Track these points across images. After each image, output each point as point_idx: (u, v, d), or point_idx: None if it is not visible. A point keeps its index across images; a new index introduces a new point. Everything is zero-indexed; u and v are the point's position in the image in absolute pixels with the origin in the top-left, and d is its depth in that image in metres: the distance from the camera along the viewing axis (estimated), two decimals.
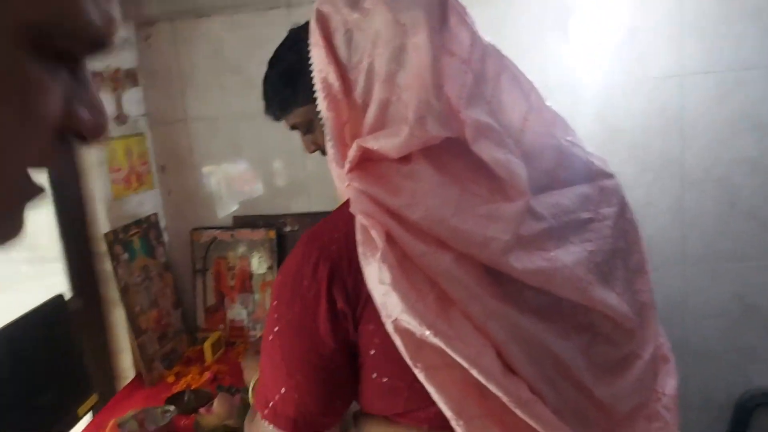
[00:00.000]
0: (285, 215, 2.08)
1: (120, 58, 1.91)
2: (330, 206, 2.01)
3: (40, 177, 0.33)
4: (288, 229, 2.08)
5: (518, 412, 0.65)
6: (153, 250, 1.99)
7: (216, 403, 1.54)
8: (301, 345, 0.74)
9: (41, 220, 1.77)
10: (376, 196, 0.70)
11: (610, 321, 0.76)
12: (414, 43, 0.71)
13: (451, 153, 0.74)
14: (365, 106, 0.74)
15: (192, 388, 1.75)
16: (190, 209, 2.13)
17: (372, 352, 0.73)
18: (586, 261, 0.74)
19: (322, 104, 0.76)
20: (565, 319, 0.73)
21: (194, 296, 2.11)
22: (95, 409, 1.66)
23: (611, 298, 0.75)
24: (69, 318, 1.55)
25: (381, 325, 0.69)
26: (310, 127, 1.23)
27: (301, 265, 0.74)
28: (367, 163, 0.73)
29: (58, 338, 1.49)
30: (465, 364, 0.65)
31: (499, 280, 0.70)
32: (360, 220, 0.70)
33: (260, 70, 1.96)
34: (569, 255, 0.73)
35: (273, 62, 1.24)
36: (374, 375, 0.74)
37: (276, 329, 0.75)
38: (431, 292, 0.67)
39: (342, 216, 0.75)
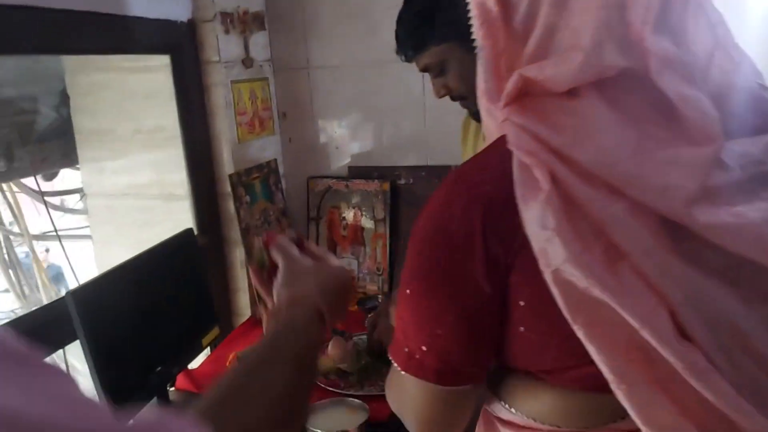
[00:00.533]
0: (400, 167, 2.05)
1: (248, 0, 1.92)
2: (447, 161, 1.98)
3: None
4: (402, 181, 2.05)
5: (692, 381, 0.58)
6: (272, 195, 2.03)
7: (330, 346, 1.55)
8: (451, 291, 0.68)
9: (172, 159, 1.83)
10: (538, 133, 0.63)
11: None
12: None
13: (625, 88, 0.65)
14: (526, 33, 0.67)
15: None
16: (308, 157, 2.14)
17: (521, 303, 0.66)
18: None
19: (477, 33, 0.69)
20: (747, 285, 0.64)
21: None
22: (214, 343, 1.73)
23: None
24: (197, 251, 1.61)
25: (534, 275, 0.63)
26: (442, 69, 1.17)
27: (449, 206, 0.67)
28: (525, 97, 0.66)
29: (186, 270, 1.55)
30: (635, 324, 0.58)
31: (676, 235, 0.62)
32: (520, 158, 0.63)
33: (384, 16, 1.93)
34: (757, 212, 0.64)
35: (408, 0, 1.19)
36: (521, 329, 0.68)
37: (420, 274, 0.69)
38: (598, 242, 0.60)
39: (493, 155, 0.68)
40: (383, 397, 1.41)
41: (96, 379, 1.21)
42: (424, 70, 1.21)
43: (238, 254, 1.92)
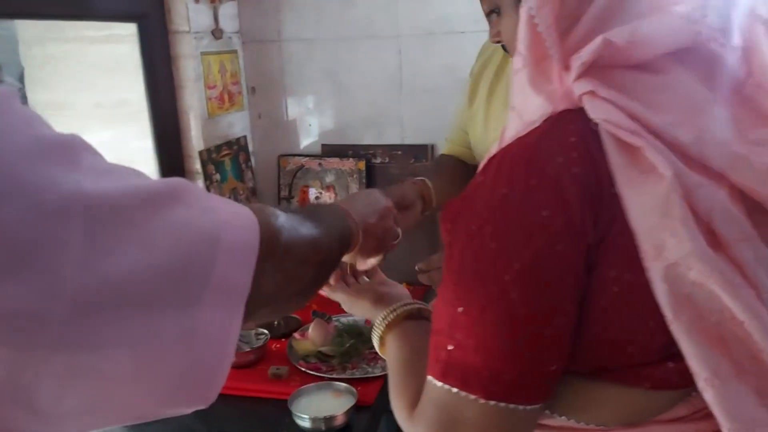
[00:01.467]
0: (375, 146, 2.00)
1: None
2: (424, 139, 1.94)
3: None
4: (378, 160, 2.00)
5: None
6: (242, 173, 1.95)
7: (311, 328, 1.51)
8: (552, 289, 0.57)
9: (137, 135, 1.74)
10: (631, 110, 0.56)
11: None
12: None
13: (705, 64, 0.60)
14: None
15: None
16: (278, 134, 2.07)
17: (602, 302, 0.59)
18: None
19: None
20: None
21: None
22: None
23: None
24: None
25: (625, 270, 0.57)
26: (498, 11, 1.05)
27: (533, 191, 0.57)
28: (596, 69, 0.58)
29: None
30: (743, 317, 0.54)
31: (759, 220, 0.58)
32: (621, 137, 0.56)
33: None
34: None
35: None
36: (595, 327, 0.60)
37: (510, 275, 0.57)
38: (702, 231, 0.55)
39: (569, 134, 0.58)
40: (367, 380, 1.39)
41: None
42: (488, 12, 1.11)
43: None
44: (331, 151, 2.04)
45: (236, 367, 1.47)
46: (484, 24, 1.84)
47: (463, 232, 0.60)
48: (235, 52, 1.95)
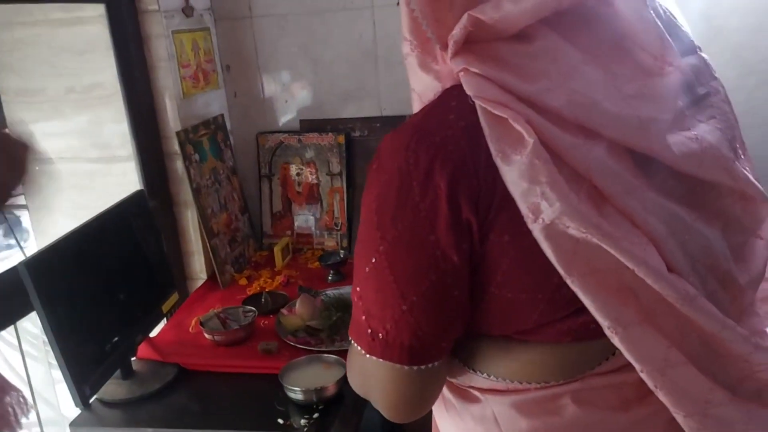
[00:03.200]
0: (354, 119, 2.00)
1: None
2: (402, 110, 1.94)
3: None
4: (357, 134, 2.00)
5: (685, 310, 0.59)
6: (221, 152, 1.94)
7: (298, 303, 1.52)
8: (417, 261, 0.62)
9: (112, 118, 1.71)
10: (503, 82, 0.58)
11: (739, 203, 0.69)
12: None
13: (575, 25, 0.63)
14: None
15: (266, 290, 1.73)
16: (255, 112, 2.06)
17: (504, 266, 0.63)
18: (722, 139, 0.67)
19: None
20: (703, 206, 0.66)
21: (260, 202, 2.08)
22: (173, 309, 1.66)
23: (749, 174, 0.69)
24: (149, 214, 1.53)
25: (518, 235, 0.60)
26: None
27: (408, 169, 0.61)
28: (474, 45, 0.60)
29: (140, 234, 1.47)
30: (630, 265, 0.58)
31: (648, 170, 0.62)
32: (490, 110, 0.58)
33: None
34: (710, 134, 0.66)
35: None
36: (503, 291, 0.65)
37: (381, 248, 0.63)
38: (582, 189, 0.59)
39: (448, 111, 0.62)
40: None
41: (57, 351, 1.13)
42: None
43: (190, 216, 1.84)
44: (309, 126, 2.04)
45: (226, 344, 1.48)
46: None
47: (363, 203, 0.66)
48: (207, 29, 1.92)
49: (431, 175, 0.60)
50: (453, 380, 0.75)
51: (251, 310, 1.57)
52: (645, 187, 0.61)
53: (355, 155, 2.01)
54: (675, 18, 0.72)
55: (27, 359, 1.62)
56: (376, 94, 1.97)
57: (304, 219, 2.05)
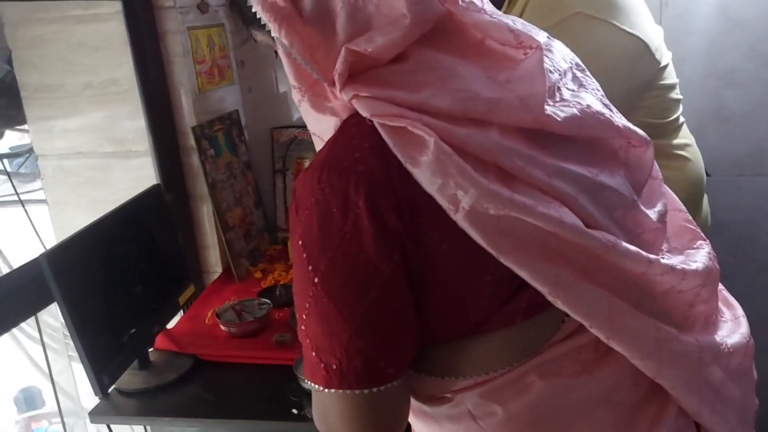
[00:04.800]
0: None
1: None
2: None
3: None
4: None
5: (610, 256, 0.65)
6: (236, 147, 1.96)
7: None
8: (352, 282, 0.64)
9: (128, 113, 1.74)
10: (392, 98, 0.63)
11: (629, 150, 0.76)
12: None
13: (442, 37, 0.69)
14: (326, 21, 0.67)
15: (281, 283, 1.75)
16: (270, 107, 2.08)
17: (443, 263, 0.66)
18: (594, 99, 0.74)
19: (278, 31, 0.66)
20: (602, 160, 0.73)
21: (274, 196, 2.10)
22: (189, 301, 1.69)
23: (627, 122, 0.77)
24: (166, 208, 1.55)
25: (447, 227, 0.63)
26: None
27: (325, 199, 0.64)
28: (357, 75, 0.65)
29: (157, 227, 1.50)
30: (551, 228, 0.62)
31: (542, 142, 0.67)
32: (388, 123, 0.62)
33: None
34: (582, 98, 0.73)
35: None
36: (448, 288, 0.67)
37: (316, 280, 0.65)
38: (489, 172, 0.63)
39: (351, 136, 0.66)
40: None
41: (78, 342, 1.16)
42: None
43: (206, 210, 1.86)
44: None
45: (242, 336, 1.51)
46: None
47: (291, 242, 0.69)
48: (222, 25, 1.94)
49: (348, 197, 0.63)
50: (429, 393, 0.76)
51: (266, 303, 1.59)
52: (543, 156, 0.66)
53: None
54: (517, 19, 0.77)
55: (48, 351, 1.65)
56: None
57: None
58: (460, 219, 0.62)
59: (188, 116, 1.78)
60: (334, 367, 0.66)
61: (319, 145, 0.72)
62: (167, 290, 1.52)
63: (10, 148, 2.45)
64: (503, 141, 0.64)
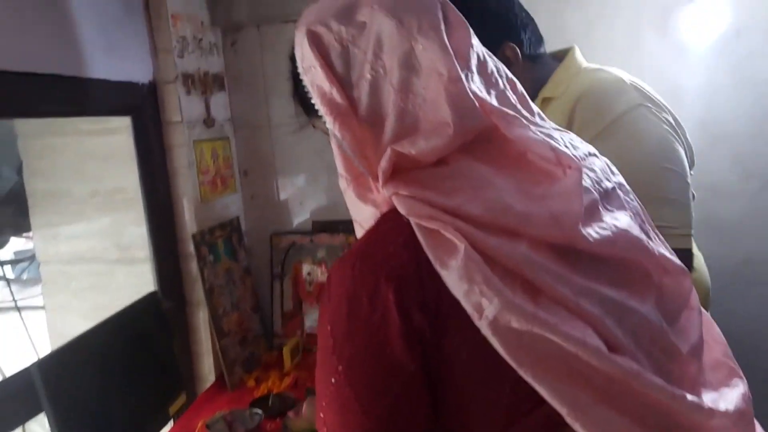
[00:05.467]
0: None
1: (208, 62, 1.94)
2: None
3: None
4: None
5: (634, 384, 0.62)
6: (235, 253, 1.99)
7: (306, 406, 1.51)
8: (375, 375, 0.65)
9: (132, 221, 1.79)
10: (430, 200, 0.66)
11: (664, 277, 0.75)
12: (423, 44, 0.70)
13: (483, 147, 0.71)
14: (377, 120, 0.71)
15: (274, 392, 1.73)
16: (271, 214, 2.13)
17: (462, 368, 0.66)
18: (632, 224, 0.74)
19: (333, 125, 0.71)
20: (630, 284, 0.71)
21: (272, 301, 2.11)
22: (180, 410, 1.65)
23: (665, 251, 0.76)
24: (162, 315, 1.56)
25: (469, 334, 0.63)
26: None
27: (355, 291, 0.66)
28: (399, 173, 0.69)
29: (151, 335, 1.50)
30: (573, 349, 0.61)
31: (571, 259, 0.67)
32: (423, 224, 0.65)
33: None
34: (619, 220, 0.73)
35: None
36: (466, 394, 0.67)
37: (339, 368, 0.65)
38: (516, 283, 0.63)
39: (386, 230, 0.69)
40: None
41: None
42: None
43: (202, 316, 1.87)
44: (321, 227, 2.09)
45: None
46: None
47: (318, 329, 0.69)
48: (227, 138, 2.03)
49: (378, 289, 0.64)
50: None
51: (257, 413, 1.56)
52: (571, 274, 0.65)
53: None
54: (566, 132, 0.80)
55: None
56: None
57: (314, 318, 2.06)
58: (483, 327, 0.61)
59: (189, 224, 1.82)
60: None
61: (359, 233, 0.75)
62: (158, 400, 1.49)
63: (14, 253, 2.49)
64: (532, 254, 0.64)
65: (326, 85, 0.72)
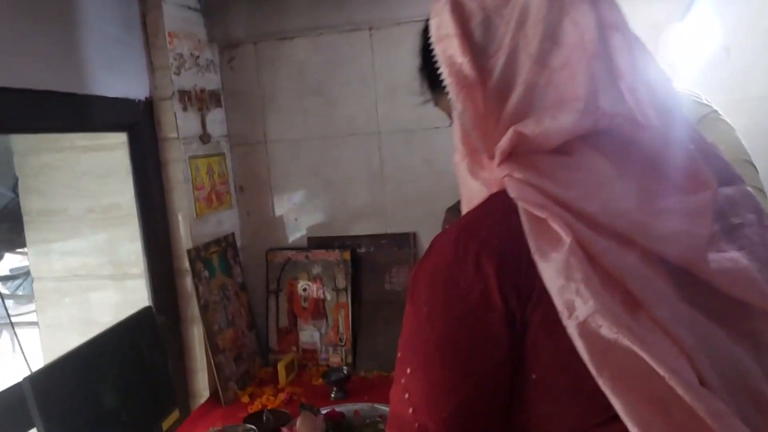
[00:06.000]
0: (360, 236, 2.06)
1: (205, 79, 1.95)
2: (407, 228, 2.00)
3: None
4: (363, 250, 2.06)
5: (716, 426, 0.56)
6: (230, 269, 1.99)
7: (299, 422, 1.50)
8: (470, 354, 0.63)
9: (127, 237, 1.79)
10: (543, 188, 0.63)
11: None
12: (573, 18, 0.67)
13: (611, 143, 0.67)
14: (503, 94, 0.69)
15: (269, 408, 1.72)
16: (266, 230, 2.13)
17: (539, 365, 0.63)
18: (753, 266, 0.68)
19: (456, 97, 0.70)
20: (734, 325, 0.66)
21: (267, 317, 2.10)
22: (173, 426, 1.64)
23: None
24: (156, 331, 1.55)
25: (553, 331, 0.61)
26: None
27: (456, 262, 0.64)
28: (517, 156, 0.66)
29: (146, 350, 1.49)
30: (663, 373, 0.56)
31: (680, 281, 0.63)
32: (531, 210, 0.63)
33: (341, 91, 1.99)
34: (744, 259, 0.68)
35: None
36: (538, 393, 0.64)
37: (431, 339, 0.64)
38: (616, 292, 0.60)
39: (492, 210, 0.67)
40: None
41: None
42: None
43: (196, 332, 1.86)
44: (317, 243, 2.10)
45: None
46: None
47: (410, 295, 0.68)
48: (222, 154, 2.04)
49: (480, 265, 0.63)
50: None
51: (251, 429, 1.55)
52: (677, 297, 0.62)
53: (361, 271, 2.05)
54: (714, 149, 0.76)
55: None
56: (383, 212, 2.04)
57: (309, 334, 2.06)
58: (570, 326, 0.59)
59: (185, 239, 1.82)
60: (430, 430, 0.64)
61: (465, 208, 0.73)
62: (151, 415, 1.49)
63: (10, 270, 2.49)
64: (642, 267, 0.61)
65: (458, 56, 0.70)
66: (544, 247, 0.61)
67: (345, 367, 1.92)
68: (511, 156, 0.66)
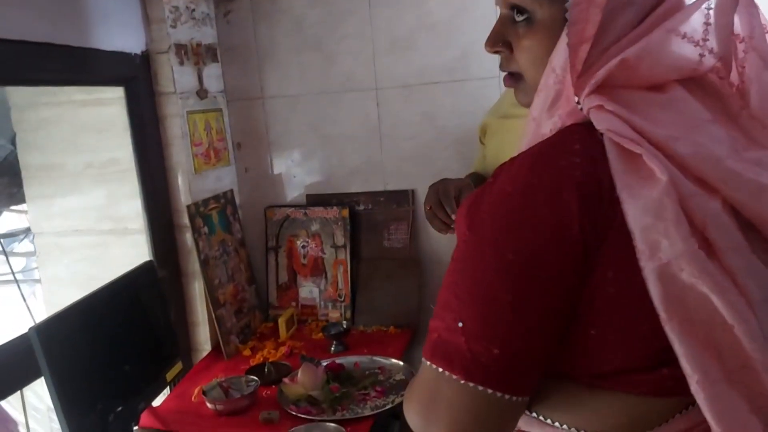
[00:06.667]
0: (358, 194, 2.07)
1: (201, 32, 1.93)
2: (405, 185, 2.01)
3: None
4: (361, 207, 2.07)
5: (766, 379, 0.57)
6: (230, 225, 2.00)
7: (300, 373, 1.53)
8: (539, 284, 0.61)
9: (126, 192, 1.79)
10: (635, 124, 0.60)
11: None
12: None
13: (707, 92, 0.65)
14: (616, 12, 0.63)
15: (270, 361, 1.75)
16: (265, 187, 2.14)
17: (599, 303, 0.62)
18: None
19: (574, 8, 0.63)
20: None
21: (267, 273, 2.12)
22: (177, 378, 1.68)
23: None
24: (158, 285, 1.57)
25: (621, 272, 0.60)
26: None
27: (533, 190, 0.61)
28: (608, 88, 0.62)
29: (148, 303, 1.51)
30: (733, 321, 0.56)
31: (751, 236, 0.61)
32: (624, 145, 0.60)
33: (340, 46, 1.97)
34: None
35: None
36: (591, 329, 0.63)
37: (496, 265, 0.61)
38: (695, 237, 0.58)
39: (573, 142, 0.63)
40: (357, 420, 1.41)
41: (62, 417, 1.15)
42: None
43: (197, 287, 1.88)
44: (315, 200, 2.11)
45: (228, 413, 1.49)
46: (457, 74, 1.93)
47: (469, 223, 0.65)
48: (220, 110, 2.03)
49: (560, 194, 0.60)
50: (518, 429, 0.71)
51: (254, 380, 1.58)
52: (750, 250, 0.61)
53: (359, 228, 2.07)
54: None
55: None
56: (381, 169, 2.04)
57: (309, 290, 2.09)
58: (649, 267, 0.57)
59: (184, 195, 1.83)
60: (483, 360, 0.61)
61: (531, 130, 0.69)
62: (155, 366, 1.51)
63: (8, 231, 2.50)
64: (724, 215, 0.60)
65: None
66: (633, 184, 0.59)
67: (344, 322, 1.95)
68: (603, 88, 0.62)
